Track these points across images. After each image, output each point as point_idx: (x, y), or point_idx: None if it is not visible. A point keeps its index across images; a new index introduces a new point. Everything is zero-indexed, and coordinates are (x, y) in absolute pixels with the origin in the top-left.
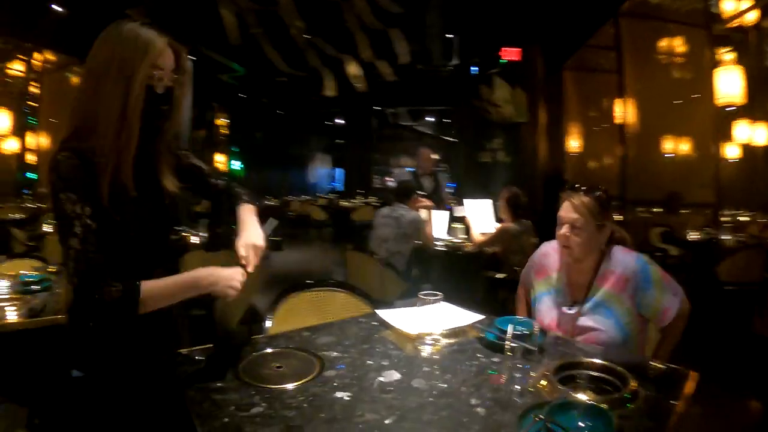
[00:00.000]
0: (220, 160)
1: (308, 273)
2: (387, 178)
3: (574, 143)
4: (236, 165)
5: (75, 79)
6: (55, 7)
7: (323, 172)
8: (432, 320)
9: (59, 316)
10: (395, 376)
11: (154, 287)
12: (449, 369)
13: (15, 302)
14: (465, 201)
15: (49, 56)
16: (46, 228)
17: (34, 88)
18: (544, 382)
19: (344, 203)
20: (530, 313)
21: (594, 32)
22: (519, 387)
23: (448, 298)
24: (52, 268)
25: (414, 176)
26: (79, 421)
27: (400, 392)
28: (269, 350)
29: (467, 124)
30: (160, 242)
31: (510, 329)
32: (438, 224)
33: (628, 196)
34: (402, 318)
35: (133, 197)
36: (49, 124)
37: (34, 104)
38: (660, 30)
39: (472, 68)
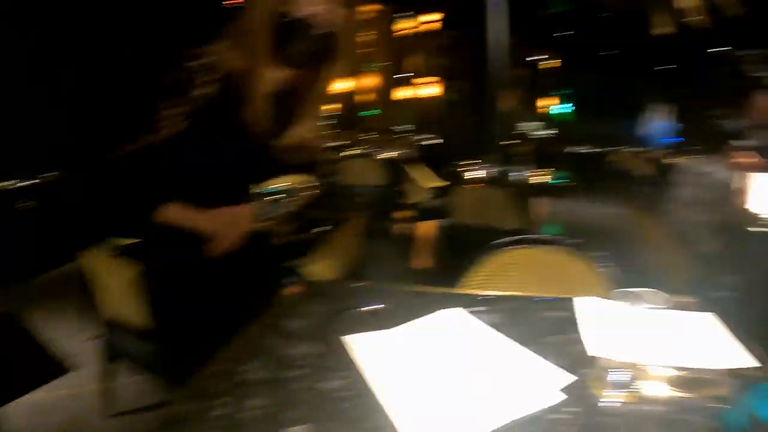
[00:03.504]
0: (544, 103)
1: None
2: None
3: None
4: (566, 108)
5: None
6: None
7: (657, 124)
8: (664, 343)
9: None
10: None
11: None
12: None
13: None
14: None
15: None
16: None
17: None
18: None
19: (674, 160)
20: None
21: None
22: None
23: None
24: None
25: (742, 130)
26: None
27: None
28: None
29: None
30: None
31: None
32: (762, 193)
33: None
34: (615, 320)
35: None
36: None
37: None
38: None
39: None
